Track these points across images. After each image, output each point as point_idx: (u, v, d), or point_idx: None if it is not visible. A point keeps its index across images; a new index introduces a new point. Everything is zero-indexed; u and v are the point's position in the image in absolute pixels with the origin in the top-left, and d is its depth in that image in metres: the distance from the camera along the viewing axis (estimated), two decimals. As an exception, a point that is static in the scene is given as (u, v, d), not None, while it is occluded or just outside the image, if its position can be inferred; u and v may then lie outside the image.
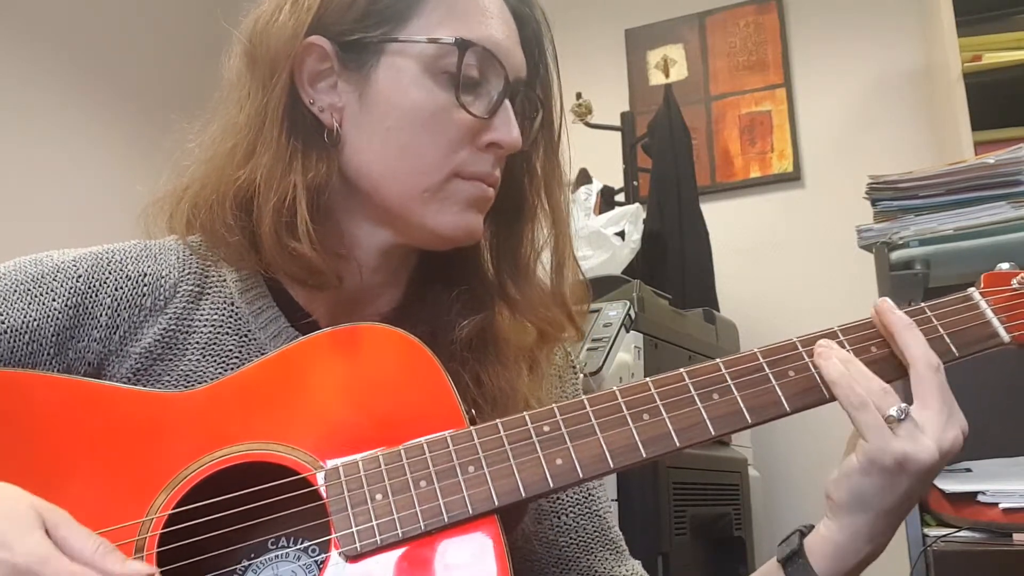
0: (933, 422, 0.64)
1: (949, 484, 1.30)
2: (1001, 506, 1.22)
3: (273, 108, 0.72)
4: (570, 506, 0.85)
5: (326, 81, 0.74)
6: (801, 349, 0.68)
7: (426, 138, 0.72)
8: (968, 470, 1.39)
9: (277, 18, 0.73)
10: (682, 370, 0.67)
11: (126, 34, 3.04)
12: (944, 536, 1.24)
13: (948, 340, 0.68)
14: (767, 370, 0.67)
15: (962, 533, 1.24)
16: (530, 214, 0.82)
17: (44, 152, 2.70)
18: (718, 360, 0.68)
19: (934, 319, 0.69)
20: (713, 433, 0.65)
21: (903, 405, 0.63)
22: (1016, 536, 1.19)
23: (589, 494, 0.87)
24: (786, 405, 0.66)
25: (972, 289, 0.72)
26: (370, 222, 0.77)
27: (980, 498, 1.25)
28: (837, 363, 0.66)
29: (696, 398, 0.66)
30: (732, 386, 0.66)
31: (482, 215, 0.77)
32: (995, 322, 0.69)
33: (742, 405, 0.65)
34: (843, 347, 0.68)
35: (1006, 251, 1.40)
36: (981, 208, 1.41)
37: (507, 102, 0.74)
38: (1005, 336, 0.69)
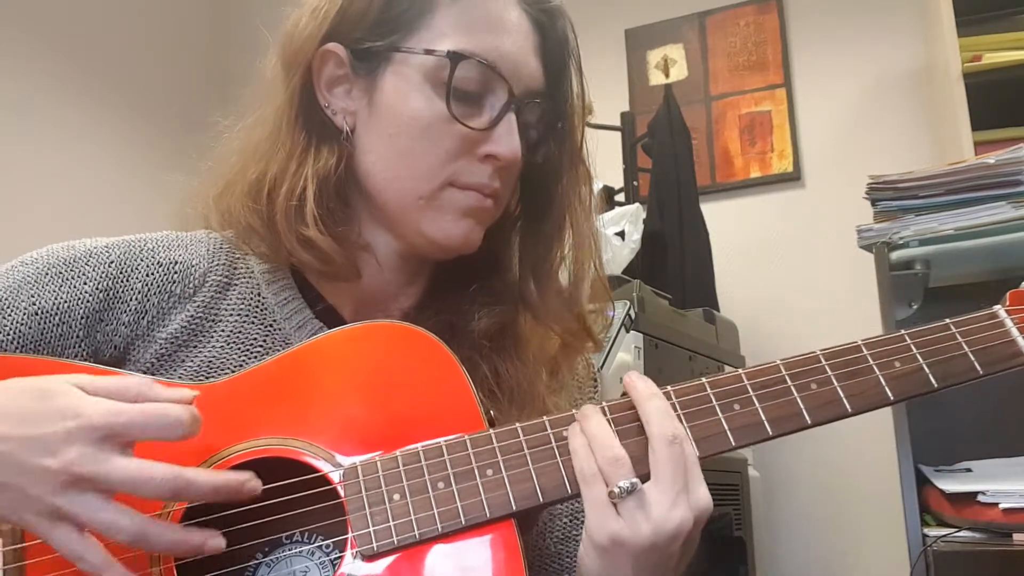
0: (658, 501, 0.60)
1: (949, 484, 1.30)
2: (1001, 506, 1.22)
3: (293, 107, 0.77)
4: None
5: (342, 86, 0.77)
6: (824, 363, 0.67)
7: (423, 146, 0.74)
8: (968, 470, 1.40)
9: (300, 22, 0.77)
10: (704, 379, 0.67)
11: (126, 33, 3.04)
12: (944, 536, 1.25)
13: (972, 357, 0.67)
14: (789, 382, 0.66)
15: (962, 533, 1.25)
16: (557, 222, 0.82)
17: (43, 152, 2.70)
18: (740, 371, 0.67)
19: (959, 336, 0.68)
20: (733, 444, 0.64)
21: (635, 480, 0.60)
22: (1016, 536, 1.20)
23: None
24: (808, 418, 0.65)
25: (998, 307, 0.70)
26: (377, 225, 0.79)
27: (980, 498, 1.25)
28: (580, 434, 0.64)
29: (717, 408, 0.65)
30: (754, 397, 0.66)
31: (481, 225, 0.78)
32: (1020, 341, 0.68)
33: (763, 417, 0.65)
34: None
35: (1006, 251, 1.40)
36: (981, 208, 1.42)
37: (511, 115, 0.75)
38: None
